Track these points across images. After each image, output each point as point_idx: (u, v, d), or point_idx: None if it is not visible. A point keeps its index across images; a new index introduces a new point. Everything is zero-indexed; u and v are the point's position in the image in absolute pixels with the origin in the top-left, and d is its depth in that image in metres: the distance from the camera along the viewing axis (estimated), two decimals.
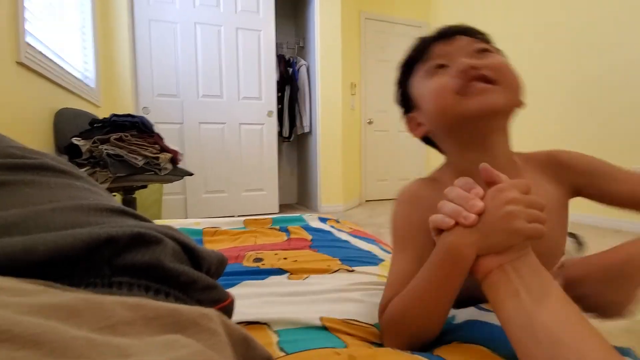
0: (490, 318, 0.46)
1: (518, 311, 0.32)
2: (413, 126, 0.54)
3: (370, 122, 3.67)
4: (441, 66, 0.46)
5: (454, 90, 0.42)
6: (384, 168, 3.80)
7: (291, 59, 3.25)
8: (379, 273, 0.68)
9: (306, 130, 3.17)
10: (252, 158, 2.89)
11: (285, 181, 3.64)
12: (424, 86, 0.48)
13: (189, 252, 0.28)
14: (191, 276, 0.26)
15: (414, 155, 3.98)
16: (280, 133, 3.26)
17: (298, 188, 3.70)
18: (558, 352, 0.29)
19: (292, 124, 3.30)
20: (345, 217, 2.87)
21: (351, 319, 0.46)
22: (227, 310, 0.31)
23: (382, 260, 0.79)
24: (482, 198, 0.35)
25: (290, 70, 3.21)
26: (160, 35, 2.57)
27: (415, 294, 0.39)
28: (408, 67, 0.52)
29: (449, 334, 0.43)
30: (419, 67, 0.49)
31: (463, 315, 0.50)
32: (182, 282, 0.26)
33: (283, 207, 3.36)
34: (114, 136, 1.47)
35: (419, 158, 4.01)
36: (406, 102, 0.55)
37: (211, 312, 0.21)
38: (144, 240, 0.25)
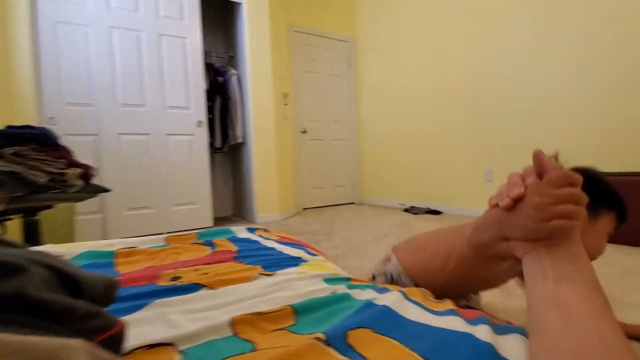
0: (409, 312, 0.50)
1: (543, 288, 0.34)
2: None
3: (304, 132, 3.74)
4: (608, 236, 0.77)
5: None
6: (319, 176, 3.89)
7: (221, 68, 3.18)
8: (299, 271, 0.71)
9: (239, 140, 3.11)
10: (182, 170, 2.75)
11: (220, 193, 3.52)
12: (604, 238, 0.77)
13: (66, 278, 0.26)
14: (64, 304, 0.25)
15: (348, 162, 4.14)
16: (212, 144, 3.16)
17: (233, 199, 3.60)
18: (570, 319, 0.30)
19: (225, 134, 3.22)
20: (282, 226, 2.86)
21: (263, 311, 0.47)
22: (116, 338, 0.29)
23: (305, 261, 0.81)
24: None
25: (221, 79, 3.13)
26: (69, 39, 2.33)
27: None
28: (612, 202, 0.77)
29: (365, 316, 0.46)
30: (611, 217, 0.77)
31: (386, 299, 0.53)
32: (54, 312, 0.24)
33: (219, 220, 3.24)
34: (9, 151, 1.29)
35: (353, 165, 4.18)
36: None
37: (74, 343, 0.20)
38: (5, 270, 0.23)
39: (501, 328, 0.45)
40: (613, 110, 2.25)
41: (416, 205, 3.47)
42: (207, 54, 3.20)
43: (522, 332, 0.42)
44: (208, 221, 2.84)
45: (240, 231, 1.12)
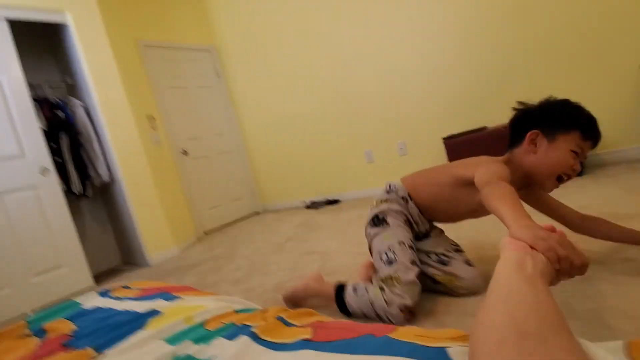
0: None
1: (514, 275, 0.46)
2: (532, 139, 0.96)
3: (185, 153, 3.45)
4: (575, 152, 0.91)
5: (563, 173, 0.94)
6: (213, 194, 3.66)
7: (59, 100, 2.68)
8: (140, 338, 0.59)
9: (105, 179, 2.69)
10: (34, 232, 2.24)
11: (99, 243, 3.02)
12: (566, 153, 0.92)
13: None
14: None
15: (241, 173, 3.99)
16: (69, 190, 2.66)
17: (118, 246, 3.13)
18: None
19: (85, 176, 2.75)
20: (180, 260, 2.59)
21: None
22: None
23: (158, 313, 0.69)
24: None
25: (62, 114, 2.65)
26: None
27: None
28: (568, 124, 0.92)
29: None
30: (572, 135, 0.91)
31: (228, 353, 0.46)
32: None
33: (103, 275, 2.78)
34: None
35: (247, 175, 4.05)
36: (547, 128, 0.94)
37: None
38: None
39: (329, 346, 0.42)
40: (454, 79, 2.61)
41: (316, 200, 3.54)
42: (36, 87, 2.66)
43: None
44: (85, 282, 2.39)
45: (90, 299, 0.92)
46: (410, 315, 0.94)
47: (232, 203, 3.84)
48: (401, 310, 0.92)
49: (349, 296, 1.03)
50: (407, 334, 0.47)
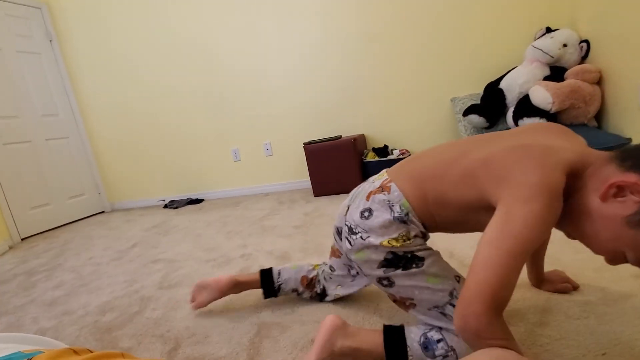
0: None
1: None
2: (620, 187, 0.51)
3: None
4: None
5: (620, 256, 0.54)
6: (40, 190, 2.94)
7: None
8: None
9: None
10: None
11: None
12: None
13: None
14: None
15: (82, 165, 3.33)
16: None
17: None
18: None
19: None
20: None
21: None
22: None
23: None
24: None
25: None
26: None
27: None
28: None
29: None
30: None
31: None
32: None
33: None
34: None
35: (90, 167, 3.40)
36: None
37: None
38: None
39: None
40: (316, 89, 2.75)
41: (177, 198, 3.24)
42: None
43: None
44: None
45: None
46: None
47: (69, 201, 3.16)
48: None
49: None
50: None
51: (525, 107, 1.96)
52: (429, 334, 0.69)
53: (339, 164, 2.42)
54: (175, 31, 2.92)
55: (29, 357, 0.61)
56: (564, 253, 1.12)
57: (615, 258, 0.54)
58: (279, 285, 1.06)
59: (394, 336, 0.71)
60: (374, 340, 0.73)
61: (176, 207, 3.01)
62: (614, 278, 0.93)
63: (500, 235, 0.52)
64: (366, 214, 0.75)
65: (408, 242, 0.71)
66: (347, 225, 0.79)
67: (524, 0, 2.21)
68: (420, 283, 0.70)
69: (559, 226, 0.60)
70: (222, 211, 2.61)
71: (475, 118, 2.17)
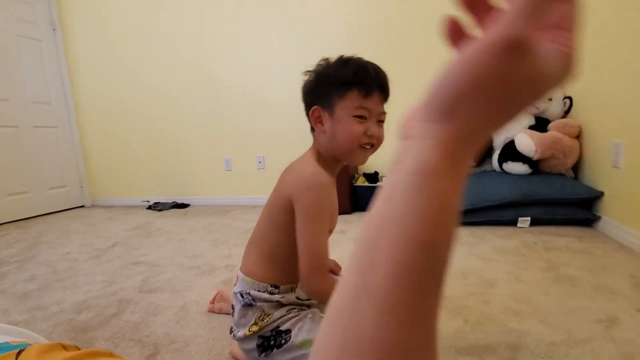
0: None
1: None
2: (316, 118, 0.78)
3: None
4: (361, 116, 0.74)
5: (360, 144, 0.74)
6: (19, 177, 2.86)
7: None
8: None
9: None
10: None
11: None
12: (349, 123, 0.73)
13: None
14: None
15: (67, 156, 3.27)
16: None
17: None
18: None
19: None
20: None
21: None
22: None
23: None
24: None
25: None
26: None
27: None
28: (340, 87, 0.74)
29: None
30: (350, 97, 0.73)
31: None
32: None
33: None
34: None
35: (75, 159, 3.34)
36: (324, 99, 0.76)
37: None
38: None
39: None
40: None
41: (162, 201, 3.21)
42: None
43: None
44: None
45: None
46: None
47: (48, 192, 3.08)
48: None
49: None
50: None
51: (510, 152, 2.08)
52: None
53: None
54: (178, 38, 2.97)
55: (18, 348, 0.61)
56: (536, 295, 1.18)
57: (364, 146, 0.77)
58: None
59: None
60: None
61: (160, 210, 2.97)
62: (580, 322, 1.00)
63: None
64: (232, 311, 0.83)
65: (266, 320, 0.77)
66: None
67: None
68: (297, 353, 0.74)
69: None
70: (208, 218, 2.59)
71: None
